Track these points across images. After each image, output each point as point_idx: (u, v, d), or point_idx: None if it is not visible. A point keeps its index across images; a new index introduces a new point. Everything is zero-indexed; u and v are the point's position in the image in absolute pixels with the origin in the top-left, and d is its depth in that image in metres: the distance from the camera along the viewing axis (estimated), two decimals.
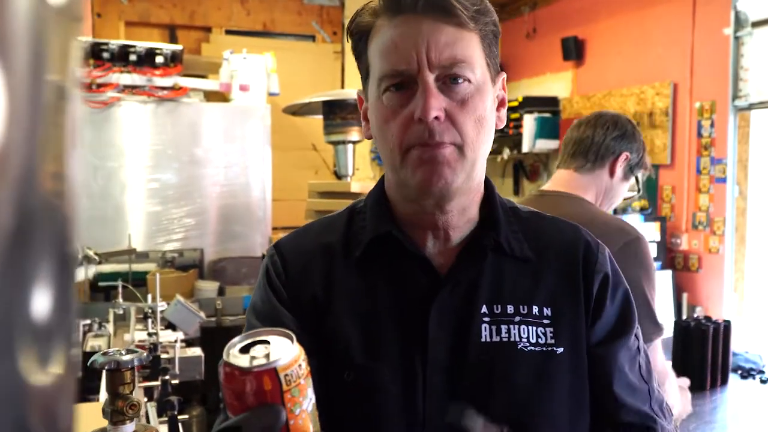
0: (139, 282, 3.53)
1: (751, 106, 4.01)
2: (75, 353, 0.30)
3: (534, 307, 0.90)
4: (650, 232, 4.20)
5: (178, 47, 4.51)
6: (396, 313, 0.89)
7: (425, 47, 0.82)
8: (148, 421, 2.06)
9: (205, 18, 6.07)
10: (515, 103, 5.32)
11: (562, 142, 1.90)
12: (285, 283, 0.93)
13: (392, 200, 0.94)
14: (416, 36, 0.83)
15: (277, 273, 0.93)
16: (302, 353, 0.65)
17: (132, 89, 4.34)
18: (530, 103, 5.32)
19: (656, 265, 4.07)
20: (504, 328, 0.88)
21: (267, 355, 0.62)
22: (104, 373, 0.84)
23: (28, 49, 0.25)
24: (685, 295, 4.27)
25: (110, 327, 3.05)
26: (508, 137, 5.45)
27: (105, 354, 0.85)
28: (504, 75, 0.93)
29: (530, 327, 0.89)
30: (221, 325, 3.60)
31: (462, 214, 0.91)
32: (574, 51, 5.18)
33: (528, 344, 0.88)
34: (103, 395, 1.75)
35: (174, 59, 4.41)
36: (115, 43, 4.33)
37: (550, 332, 0.89)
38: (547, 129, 5.25)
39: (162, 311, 2.70)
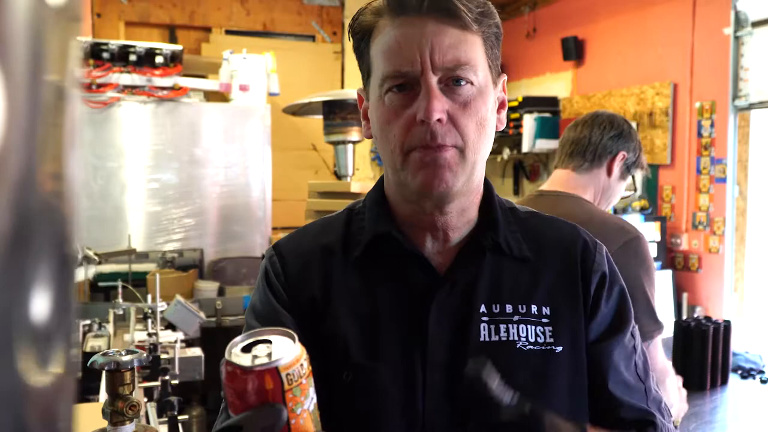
0: (139, 282, 3.53)
1: (751, 106, 4.01)
2: (74, 354, 0.30)
3: (533, 306, 0.90)
4: (650, 232, 4.20)
5: (177, 47, 4.51)
6: (395, 312, 0.89)
7: (429, 49, 0.82)
8: (148, 421, 2.06)
9: (204, 18, 6.08)
10: (515, 103, 5.32)
11: (558, 142, 1.91)
12: (284, 284, 0.93)
13: (391, 201, 0.95)
14: (420, 37, 0.83)
15: (276, 274, 0.94)
16: (304, 353, 0.65)
17: (132, 89, 4.35)
18: (530, 103, 5.33)
19: (656, 265, 4.09)
20: (503, 327, 0.89)
21: (269, 355, 0.62)
22: (104, 373, 0.84)
23: (27, 49, 0.25)
24: (685, 295, 4.27)
25: (110, 327, 3.05)
26: (508, 137, 5.45)
27: (105, 354, 0.84)
28: (505, 77, 0.94)
29: (529, 326, 0.89)
30: (221, 326, 3.60)
31: (461, 215, 0.91)
32: (574, 51, 5.18)
33: (527, 343, 0.88)
34: (103, 396, 1.75)
35: (174, 59, 4.41)
36: (114, 43, 4.33)
37: (549, 331, 0.89)
38: (547, 129, 5.25)
39: (162, 311, 2.71)
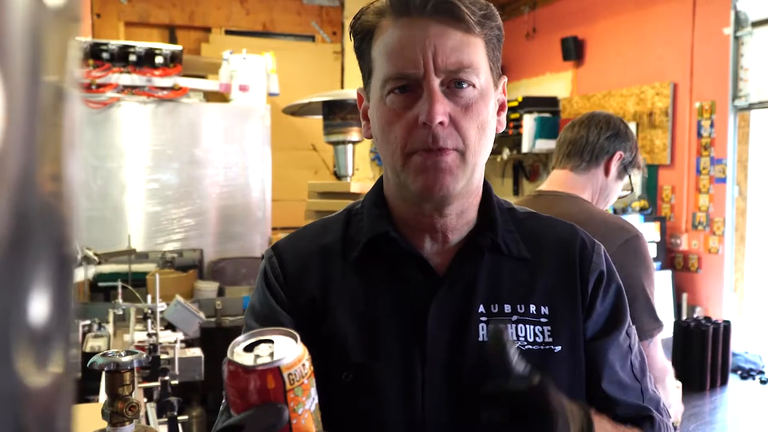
0: (138, 282, 3.53)
1: (750, 106, 4.01)
2: (73, 354, 0.30)
3: (531, 306, 0.90)
4: (650, 233, 4.20)
5: (177, 47, 4.51)
6: (394, 312, 0.90)
7: (432, 51, 0.82)
8: (147, 421, 2.06)
9: (204, 18, 6.08)
10: (515, 103, 5.32)
11: (555, 143, 1.92)
12: (283, 284, 0.93)
13: (390, 202, 0.95)
14: (423, 39, 0.83)
15: (275, 275, 0.94)
16: (306, 353, 0.65)
17: (131, 89, 4.35)
18: (530, 103, 5.33)
19: (656, 265, 4.09)
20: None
21: (271, 354, 0.63)
22: (103, 374, 0.84)
23: (25, 50, 0.25)
24: (684, 296, 4.27)
25: (110, 327, 3.05)
26: (508, 137, 5.45)
27: (104, 355, 0.84)
28: (505, 78, 0.94)
29: (528, 326, 0.89)
30: (221, 326, 3.60)
31: (460, 216, 0.91)
32: (573, 51, 5.18)
33: (526, 343, 0.88)
34: (103, 396, 1.75)
35: (173, 59, 4.41)
36: (114, 43, 4.34)
37: (548, 331, 0.89)
38: (547, 129, 5.25)
39: (162, 312, 2.70)
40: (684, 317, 3.94)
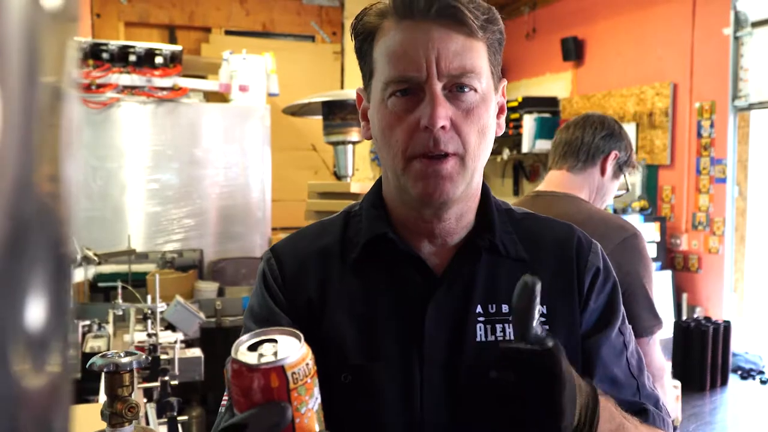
0: (138, 283, 3.53)
1: (750, 107, 4.01)
2: (71, 356, 0.30)
3: None
4: (650, 233, 4.20)
5: (177, 48, 4.51)
6: (393, 313, 0.90)
7: (435, 55, 0.82)
8: (147, 422, 2.06)
9: (204, 18, 6.08)
10: (515, 104, 5.33)
11: (551, 144, 1.94)
12: (281, 286, 0.93)
13: (389, 203, 0.95)
14: (426, 43, 0.83)
15: (274, 276, 0.94)
16: (309, 352, 0.65)
17: (131, 90, 4.35)
18: (530, 104, 5.33)
19: (656, 265, 4.09)
20: (499, 327, 0.89)
21: (275, 353, 0.63)
22: (103, 375, 0.84)
23: (22, 51, 0.25)
24: (684, 296, 4.27)
25: (110, 328, 3.05)
26: (508, 138, 5.45)
27: (103, 356, 0.84)
28: (505, 81, 0.94)
29: None
30: (221, 326, 3.60)
31: (459, 220, 0.92)
32: (573, 51, 5.18)
33: None
34: (103, 397, 1.75)
35: (173, 60, 4.41)
36: (114, 43, 4.34)
37: (546, 330, 0.90)
38: (547, 129, 5.25)
39: (161, 312, 2.70)
40: (684, 317, 3.93)
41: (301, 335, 0.66)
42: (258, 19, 6.25)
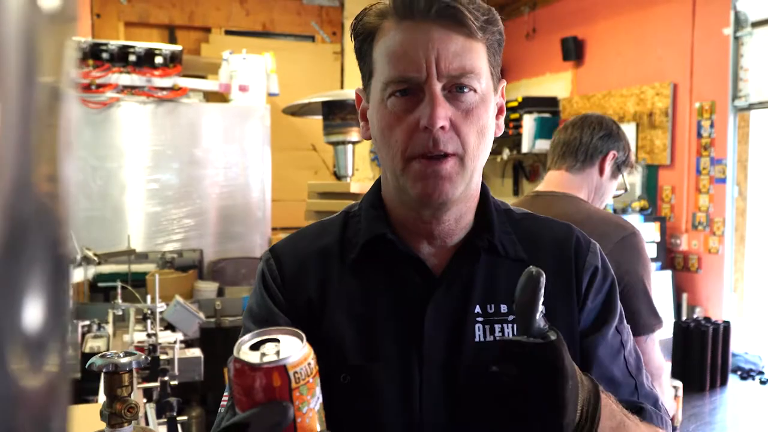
0: (138, 283, 3.53)
1: (750, 107, 4.01)
2: (69, 356, 0.29)
3: None
4: (650, 233, 4.20)
5: (177, 48, 4.51)
6: (392, 314, 0.90)
7: (435, 56, 0.82)
8: (147, 422, 2.06)
9: (204, 18, 6.07)
10: (515, 104, 5.32)
11: (550, 145, 1.96)
12: (280, 286, 0.93)
13: (388, 204, 0.95)
14: (426, 43, 0.83)
15: (273, 277, 0.94)
16: (311, 352, 0.65)
17: (131, 90, 4.34)
18: (530, 104, 5.33)
19: (656, 265, 4.09)
20: (498, 327, 0.90)
21: (277, 353, 0.63)
22: (102, 375, 0.84)
23: (19, 51, 0.25)
24: (684, 296, 4.27)
25: (109, 328, 3.05)
26: (507, 137, 5.45)
27: (103, 356, 0.84)
28: (504, 83, 0.94)
29: None
30: (220, 326, 3.60)
31: (458, 221, 0.92)
32: (573, 51, 5.18)
33: None
34: (102, 397, 1.75)
35: (173, 60, 4.41)
36: (114, 43, 4.33)
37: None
38: (547, 129, 5.25)
39: (161, 312, 2.70)
40: (684, 317, 3.93)
41: (303, 335, 0.66)
42: (258, 19, 6.25)
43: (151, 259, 4.24)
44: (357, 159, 5.45)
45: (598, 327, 0.94)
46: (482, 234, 0.92)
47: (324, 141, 4.61)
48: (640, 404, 0.93)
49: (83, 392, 2.51)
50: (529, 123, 5.27)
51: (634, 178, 4.55)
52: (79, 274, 3.53)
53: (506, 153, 5.62)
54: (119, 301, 2.92)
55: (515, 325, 0.89)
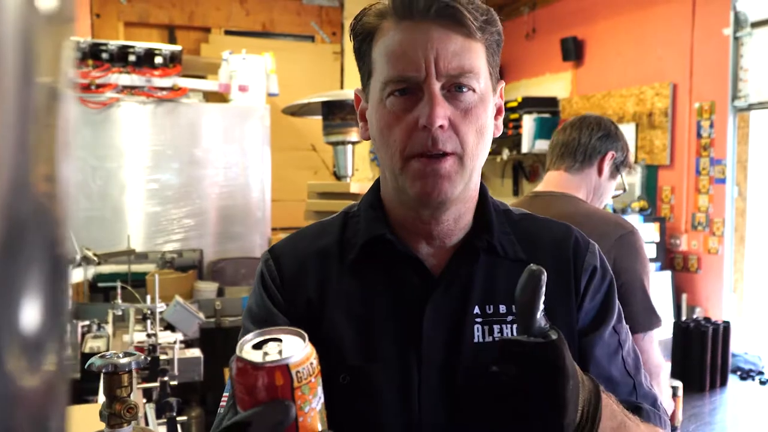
0: (138, 283, 3.53)
1: (750, 107, 4.01)
2: (67, 356, 0.29)
3: None
4: (650, 233, 4.20)
5: (177, 48, 4.51)
6: (391, 314, 0.90)
7: (434, 55, 0.83)
8: (147, 422, 2.06)
9: (204, 18, 6.07)
10: (515, 104, 5.32)
11: (548, 146, 1.97)
12: (280, 287, 0.93)
13: (387, 204, 0.95)
14: (426, 43, 0.83)
15: (272, 277, 0.94)
16: (314, 352, 0.66)
17: (131, 90, 4.34)
18: (529, 104, 5.33)
19: (656, 266, 4.09)
20: (496, 328, 0.89)
21: (280, 352, 0.63)
22: (102, 375, 0.84)
23: (17, 51, 0.25)
24: (684, 296, 4.27)
25: (109, 328, 3.04)
26: (507, 138, 5.45)
27: (102, 357, 0.84)
28: (503, 83, 0.94)
29: None
30: (220, 326, 3.60)
31: (457, 221, 0.92)
32: (573, 51, 5.18)
33: None
34: (102, 397, 1.75)
35: (173, 60, 4.41)
36: (114, 43, 4.33)
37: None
38: (547, 129, 5.25)
39: (161, 312, 2.70)
40: (684, 318, 3.93)
41: (306, 335, 0.66)
42: (258, 19, 6.25)
43: (151, 259, 4.24)
44: (357, 159, 5.45)
45: (596, 327, 0.94)
46: (481, 234, 0.92)
47: (324, 141, 4.61)
48: (638, 404, 0.93)
49: (83, 392, 2.51)
50: (528, 123, 5.27)
51: (634, 179, 4.55)
52: (78, 274, 3.52)
53: (506, 153, 5.62)
54: (119, 301, 2.92)
55: (514, 326, 0.89)
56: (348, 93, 4.57)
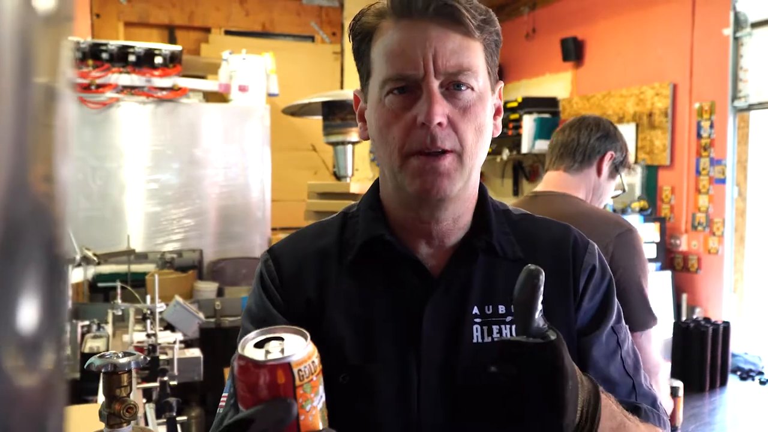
0: (138, 283, 3.53)
1: (750, 107, 4.01)
2: (65, 356, 0.29)
3: None
4: (650, 233, 4.20)
5: (177, 48, 4.51)
6: (390, 315, 0.90)
7: (432, 53, 0.83)
8: (146, 422, 2.06)
9: (204, 18, 6.07)
10: (515, 104, 5.32)
11: (548, 147, 1.98)
12: (279, 287, 0.94)
13: (386, 205, 0.95)
14: (424, 41, 0.83)
15: (271, 278, 0.94)
16: (315, 351, 0.66)
17: (131, 90, 4.34)
18: (530, 104, 5.32)
19: (656, 266, 4.09)
20: (495, 328, 0.89)
21: (282, 350, 0.63)
22: (101, 375, 0.84)
23: (15, 51, 0.25)
24: (684, 296, 4.27)
25: (109, 328, 3.04)
26: (507, 138, 5.45)
27: (102, 356, 0.84)
28: (501, 84, 0.94)
29: None
30: (220, 326, 3.60)
31: (456, 221, 0.92)
32: (573, 51, 5.18)
33: None
34: (102, 397, 1.75)
35: (173, 60, 4.41)
36: (114, 43, 4.33)
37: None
38: (547, 130, 5.25)
39: (161, 312, 2.70)
40: (683, 318, 3.93)
41: (308, 334, 0.66)
42: (258, 19, 6.25)
43: (151, 259, 4.24)
44: (357, 159, 5.45)
45: (595, 327, 0.94)
46: (480, 234, 0.92)
47: (324, 141, 4.61)
48: (637, 404, 0.93)
49: (83, 392, 2.51)
50: (528, 123, 5.27)
51: (634, 179, 4.55)
52: (78, 274, 3.53)
53: (506, 153, 5.62)
54: (119, 301, 2.92)
55: (513, 326, 0.89)
56: (348, 93, 4.57)
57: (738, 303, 4.16)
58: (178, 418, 2.08)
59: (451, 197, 0.87)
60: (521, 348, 0.73)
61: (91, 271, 3.81)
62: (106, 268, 3.89)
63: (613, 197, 2.06)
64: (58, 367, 0.29)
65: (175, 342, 2.69)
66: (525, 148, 5.31)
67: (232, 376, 0.83)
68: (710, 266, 4.22)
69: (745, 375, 2.70)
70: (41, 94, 0.27)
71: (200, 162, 4.59)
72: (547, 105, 5.39)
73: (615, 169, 1.91)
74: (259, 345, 0.65)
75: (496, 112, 0.93)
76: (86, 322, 3.15)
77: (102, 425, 0.84)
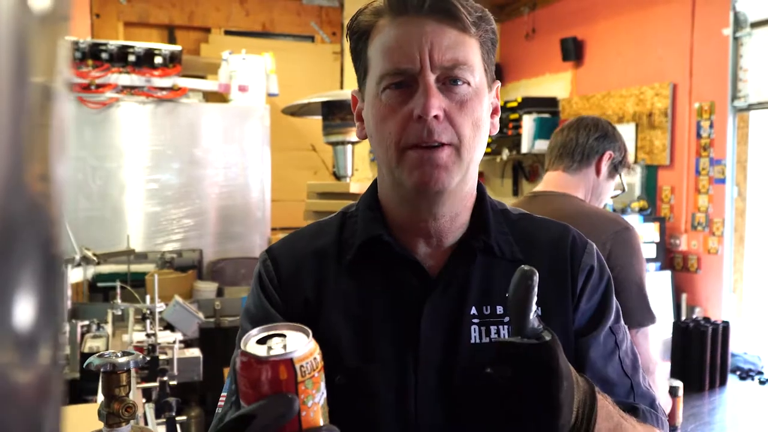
0: (137, 283, 3.53)
1: (750, 107, 4.01)
2: (61, 355, 0.30)
3: None
4: (649, 233, 4.20)
5: (176, 48, 4.51)
6: (388, 315, 0.90)
7: (428, 48, 0.83)
8: (146, 422, 2.06)
9: (204, 18, 6.07)
10: (514, 104, 5.32)
11: (547, 147, 1.99)
12: (277, 287, 0.94)
13: (385, 205, 0.95)
14: (420, 36, 0.84)
15: (270, 278, 0.94)
16: (317, 348, 0.66)
17: (131, 90, 4.34)
18: (529, 104, 5.33)
19: (655, 266, 4.09)
20: (493, 328, 0.89)
21: (284, 346, 0.64)
22: (100, 375, 0.84)
23: (11, 51, 0.25)
24: (684, 296, 4.27)
25: (109, 328, 3.04)
26: (507, 138, 5.45)
27: (101, 356, 0.84)
28: (498, 83, 0.95)
29: None
30: (220, 326, 3.60)
31: (454, 220, 0.92)
32: (573, 51, 5.18)
33: None
34: (101, 396, 1.74)
35: (173, 60, 4.41)
36: (113, 43, 4.33)
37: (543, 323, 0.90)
38: (546, 129, 5.25)
39: (160, 312, 2.70)
40: (683, 318, 3.94)
41: (310, 331, 0.67)
42: (258, 19, 6.25)
43: (151, 259, 4.24)
44: (356, 159, 5.44)
45: (593, 327, 0.94)
46: (478, 234, 0.92)
47: (323, 141, 4.60)
48: (635, 404, 0.93)
49: (82, 392, 2.51)
50: (528, 123, 5.27)
51: (634, 179, 4.56)
52: (78, 274, 3.53)
53: (505, 153, 5.62)
54: (118, 301, 2.92)
55: (510, 327, 0.89)
56: (347, 93, 4.55)
57: (737, 303, 4.16)
58: (178, 418, 2.08)
59: (449, 190, 0.87)
60: (517, 349, 0.73)
61: (91, 271, 3.82)
62: (106, 268, 3.89)
63: (612, 197, 2.07)
64: (54, 366, 0.29)
65: (174, 342, 2.69)
66: (525, 148, 5.31)
67: (232, 374, 0.83)
68: (710, 266, 4.22)
69: (745, 375, 2.70)
70: (38, 94, 0.27)
71: (200, 162, 4.59)
72: (547, 105, 5.39)
73: (614, 169, 1.92)
74: (261, 342, 0.65)
75: (494, 111, 0.94)
76: (86, 322, 3.15)
77: (101, 425, 0.84)
